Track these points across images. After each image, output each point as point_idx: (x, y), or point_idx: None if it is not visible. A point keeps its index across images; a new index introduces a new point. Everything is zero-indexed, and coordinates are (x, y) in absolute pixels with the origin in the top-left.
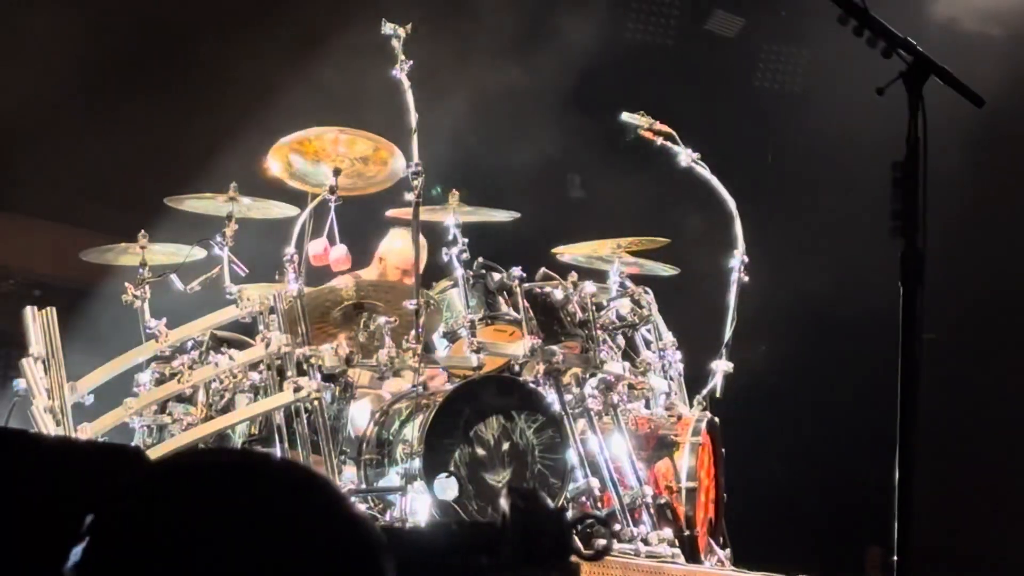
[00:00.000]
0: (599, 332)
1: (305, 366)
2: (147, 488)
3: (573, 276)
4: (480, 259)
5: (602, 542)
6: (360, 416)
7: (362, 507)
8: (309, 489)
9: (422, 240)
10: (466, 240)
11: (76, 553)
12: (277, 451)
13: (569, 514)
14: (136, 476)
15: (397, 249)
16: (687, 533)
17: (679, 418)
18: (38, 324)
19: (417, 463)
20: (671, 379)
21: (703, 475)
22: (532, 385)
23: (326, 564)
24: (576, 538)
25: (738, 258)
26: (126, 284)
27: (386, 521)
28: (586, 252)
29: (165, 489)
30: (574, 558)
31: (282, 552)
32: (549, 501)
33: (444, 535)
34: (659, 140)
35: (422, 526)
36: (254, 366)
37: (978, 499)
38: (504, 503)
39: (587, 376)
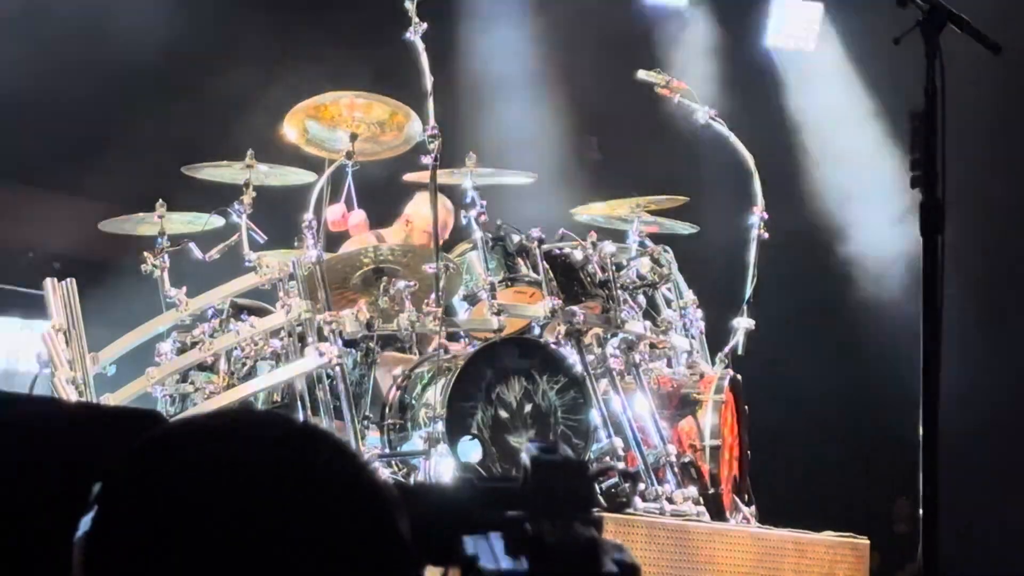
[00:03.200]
0: (619, 292)
1: (326, 332)
2: (153, 454)
3: (592, 236)
4: (499, 221)
5: (626, 492)
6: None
7: (387, 471)
8: (321, 450)
9: (447, 204)
10: (484, 203)
11: (85, 523)
12: (300, 418)
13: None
14: (143, 442)
15: (424, 214)
16: (712, 491)
17: (701, 376)
18: (58, 296)
19: (440, 426)
20: (692, 337)
21: (727, 433)
22: (553, 346)
23: (339, 525)
24: (599, 491)
25: (757, 214)
26: (145, 254)
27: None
28: (604, 212)
29: (171, 454)
30: (596, 510)
31: (294, 514)
32: (570, 452)
33: (464, 490)
34: (676, 97)
35: (442, 481)
36: (275, 333)
37: (1003, 451)
38: (524, 456)
39: (608, 336)
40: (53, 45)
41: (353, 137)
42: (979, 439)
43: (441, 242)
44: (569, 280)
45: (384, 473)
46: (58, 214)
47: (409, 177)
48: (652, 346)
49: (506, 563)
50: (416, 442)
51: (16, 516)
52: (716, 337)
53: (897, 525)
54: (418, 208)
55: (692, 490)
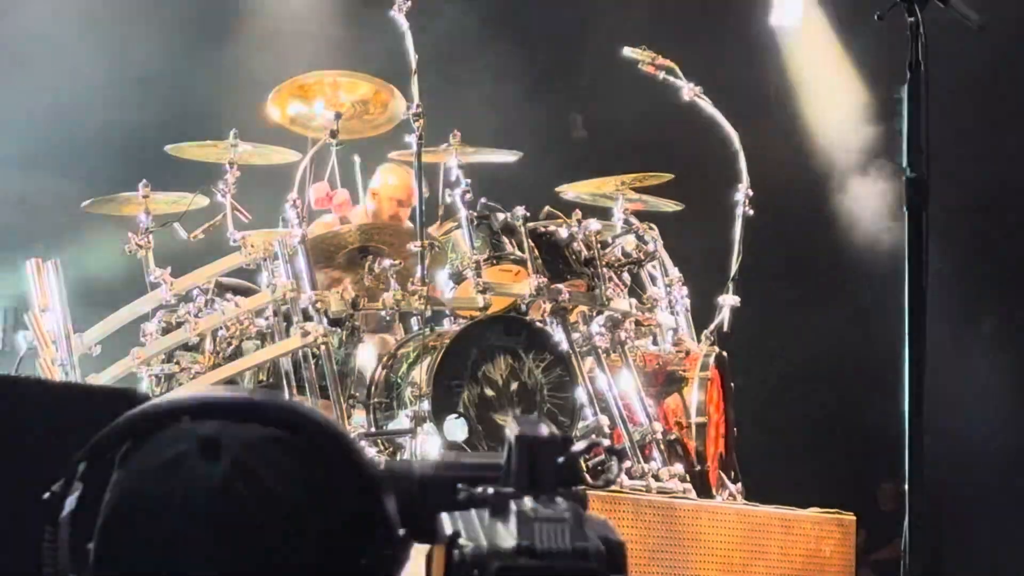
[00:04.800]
0: (605, 269)
1: (311, 311)
2: (138, 431)
3: (577, 214)
4: (483, 199)
5: (613, 468)
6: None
7: (373, 451)
8: (309, 428)
9: (405, 173)
10: (469, 181)
11: (71, 502)
12: (285, 397)
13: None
14: (127, 420)
15: (391, 183)
16: (698, 468)
17: (687, 353)
18: (43, 276)
19: (426, 405)
20: (678, 315)
21: (712, 410)
22: (539, 324)
23: (327, 504)
24: (584, 467)
25: (742, 192)
26: (129, 234)
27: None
28: (590, 189)
29: (157, 431)
30: (581, 486)
31: (282, 493)
32: (555, 428)
33: (448, 467)
34: (661, 74)
35: (426, 459)
36: (260, 313)
37: (988, 431)
38: (509, 432)
39: (594, 314)
40: (33, 25)
41: (337, 116)
42: (967, 419)
43: (406, 210)
44: (554, 258)
45: (370, 452)
46: (42, 194)
47: (393, 155)
48: (638, 324)
49: (490, 540)
50: (402, 421)
51: (2, 493)
52: (702, 314)
53: (883, 503)
54: (384, 180)
55: (678, 467)
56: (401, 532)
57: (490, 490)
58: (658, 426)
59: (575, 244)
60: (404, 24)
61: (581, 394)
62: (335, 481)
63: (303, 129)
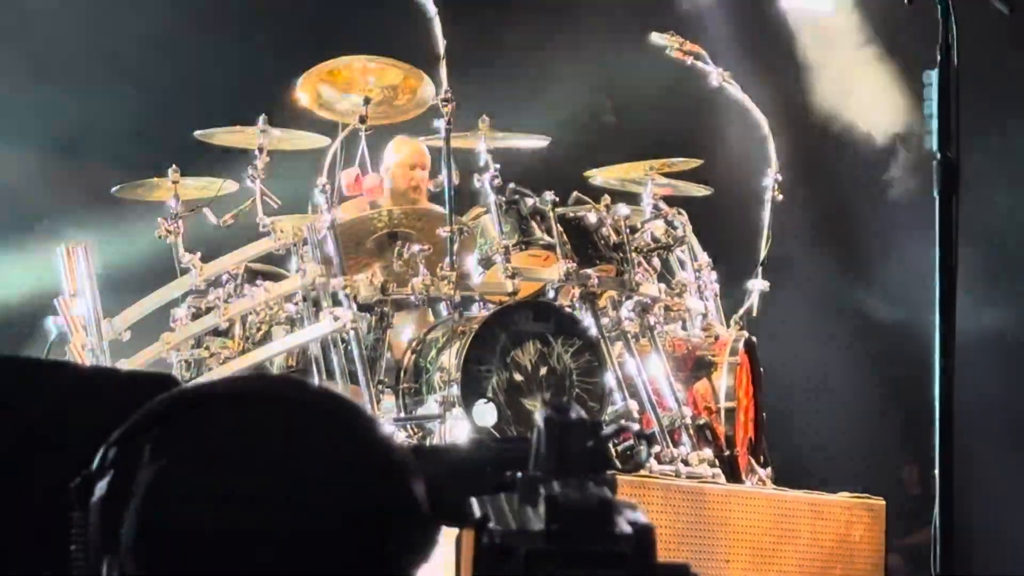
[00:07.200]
0: (634, 254)
1: (340, 296)
2: (169, 417)
3: (606, 199)
4: (512, 184)
5: (642, 452)
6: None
7: (402, 435)
8: (337, 414)
9: (412, 141)
10: (498, 166)
11: (101, 487)
12: (315, 382)
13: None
14: (157, 405)
15: (404, 153)
16: (727, 453)
17: (716, 338)
18: (72, 262)
19: (455, 390)
20: (707, 300)
21: (742, 395)
22: (568, 309)
23: (355, 488)
24: (613, 452)
25: (771, 176)
26: (159, 219)
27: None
28: (618, 175)
29: (190, 418)
30: (610, 471)
31: (309, 477)
32: (584, 413)
33: (477, 451)
34: (689, 60)
35: (455, 443)
36: (289, 298)
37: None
38: (539, 416)
39: (623, 299)
40: (64, 9)
41: (366, 101)
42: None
43: (424, 173)
44: (583, 243)
45: (399, 437)
46: (72, 180)
47: (422, 140)
48: (667, 309)
49: (519, 524)
50: (431, 406)
51: (33, 478)
52: (731, 299)
53: (909, 487)
54: (393, 152)
55: (707, 452)
56: (429, 516)
57: (519, 474)
58: (687, 411)
59: (604, 229)
60: (432, 9)
61: (610, 379)
62: (363, 466)
63: (332, 114)
